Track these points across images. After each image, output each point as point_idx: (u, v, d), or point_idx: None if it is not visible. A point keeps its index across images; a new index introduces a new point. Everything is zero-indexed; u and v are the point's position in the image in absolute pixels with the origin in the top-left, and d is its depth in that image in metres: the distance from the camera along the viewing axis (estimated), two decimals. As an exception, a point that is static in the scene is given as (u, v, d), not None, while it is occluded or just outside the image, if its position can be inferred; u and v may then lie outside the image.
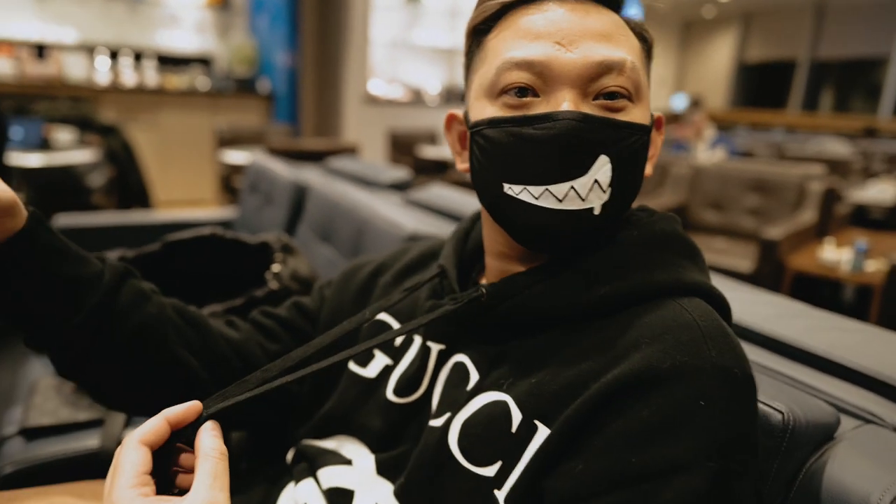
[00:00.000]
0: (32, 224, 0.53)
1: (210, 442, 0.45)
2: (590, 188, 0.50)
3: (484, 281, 0.64)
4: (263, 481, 0.71)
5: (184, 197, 4.76)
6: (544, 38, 0.51)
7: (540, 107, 0.52)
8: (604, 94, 0.51)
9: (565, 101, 0.51)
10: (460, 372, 0.57)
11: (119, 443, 0.85)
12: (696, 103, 9.95)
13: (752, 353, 0.84)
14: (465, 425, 0.53)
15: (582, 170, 0.50)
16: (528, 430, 0.50)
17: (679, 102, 10.39)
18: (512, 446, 0.50)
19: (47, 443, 0.83)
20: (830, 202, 3.27)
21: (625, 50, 0.53)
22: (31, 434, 0.84)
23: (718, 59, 11.32)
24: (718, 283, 1.03)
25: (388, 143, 4.77)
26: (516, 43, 0.52)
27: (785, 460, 0.60)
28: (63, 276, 0.54)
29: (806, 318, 0.91)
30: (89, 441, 0.84)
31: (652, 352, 0.47)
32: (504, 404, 0.52)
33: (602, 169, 0.50)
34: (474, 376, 0.56)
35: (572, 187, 0.50)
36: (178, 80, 4.81)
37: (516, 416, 0.51)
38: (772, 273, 2.78)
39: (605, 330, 0.51)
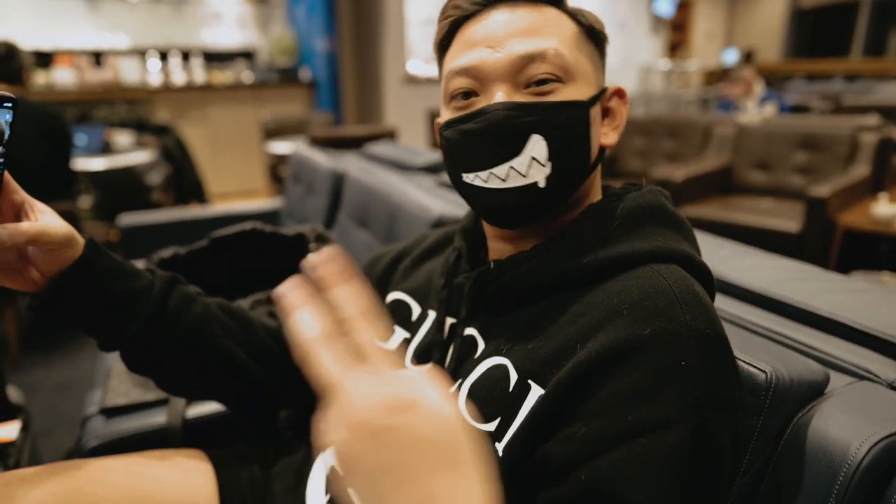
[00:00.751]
0: (89, 251, 0.63)
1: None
2: (528, 165, 0.58)
3: (489, 254, 0.70)
4: (302, 451, 0.81)
5: (236, 189, 4.97)
6: (479, 44, 0.60)
7: (480, 104, 0.60)
8: (533, 81, 0.59)
9: (498, 94, 0.59)
10: (470, 343, 0.64)
11: (182, 419, 0.96)
12: (747, 57, 9.52)
13: (756, 315, 0.87)
14: (472, 388, 0.59)
15: (517, 150, 0.58)
16: (522, 389, 0.55)
17: (730, 57, 9.96)
18: (509, 404, 0.55)
19: (123, 420, 0.96)
20: (886, 154, 3.14)
21: (550, 39, 0.60)
22: (110, 413, 0.97)
23: (771, 8, 10.74)
24: (726, 248, 1.06)
25: (429, 124, 4.82)
26: (459, 54, 0.62)
27: (770, 416, 0.64)
28: (120, 292, 0.65)
29: (814, 280, 0.93)
30: (157, 418, 0.97)
31: (633, 319, 0.52)
32: (504, 367, 0.58)
33: (536, 146, 0.58)
34: (481, 345, 0.63)
35: (511, 167, 0.58)
36: (223, 76, 4.99)
37: (513, 377, 0.56)
38: (820, 232, 2.71)
39: (591, 297, 0.57)
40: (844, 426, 0.63)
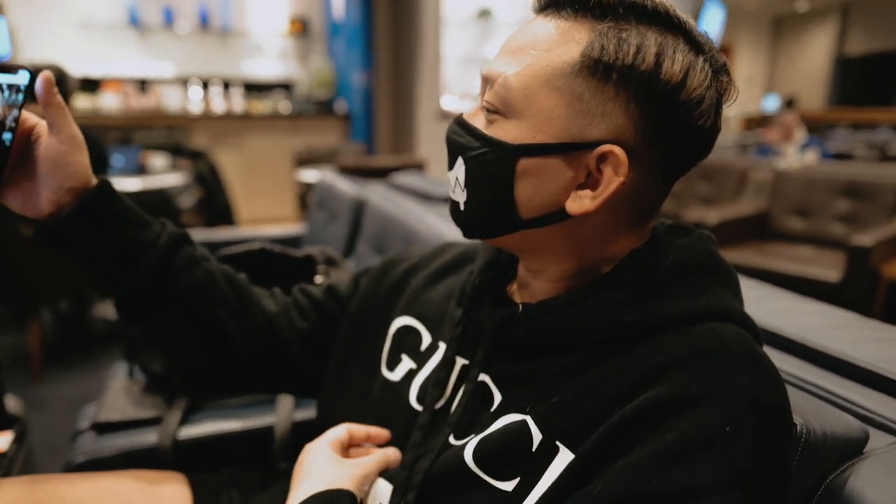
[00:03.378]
0: (101, 190, 0.61)
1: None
2: (454, 183, 0.56)
3: (514, 289, 0.65)
4: (285, 478, 0.76)
5: (267, 215, 5.04)
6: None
7: None
8: (484, 106, 0.54)
9: (473, 108, 0.57)
10: (484, 393, 0.58)
11: (173, 439, 0.93)
12: (789, 104, 9.39)
13: (789, 363, 0.80)
14: (486, 442, 0.54)
15: (451, 165, 0.56)
16: (549, 451, 0.50)
17: (771, 104, 9.85)
18: (532, 464, 0.50)
19: (113, 437, 0.93)
20: (935, 205, 3.00)
21: (516, 64, 0.52)
22: (101, 428, 0.94)
23: (814, 56, 10.64)
24: (758, 290, 0.99)
25: (459, 158, 4.82)
26: None
27: (800, 473, 0.58)
28: (124, 239, 0.63)
29: (853, 328, 0.86)
30: (149, 437, 0.93)
31: (680, 376, 0.46)
32: (524, 423, 0.52)
33: (460, 169, 0.55)
34: (497, 397, 0.57)
35: (449, 177, 0.58)
36: (262, 105, 5.11)
37: (536, 436, 0.51)
38: (863, 283, 2.59)
39: (635, 354, 0.50)
40: (884, 491, 0.56)
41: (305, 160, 4.04)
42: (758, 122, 8.79)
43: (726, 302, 0.54)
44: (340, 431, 0.64)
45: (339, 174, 2.66)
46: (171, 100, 4.86)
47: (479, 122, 0.55)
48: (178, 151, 3.55)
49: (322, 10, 5.46)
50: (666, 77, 0.48)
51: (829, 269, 2.74)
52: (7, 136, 0.57)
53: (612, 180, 0.50)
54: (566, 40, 0.50)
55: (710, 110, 0.51)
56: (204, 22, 5.04)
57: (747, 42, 10.93)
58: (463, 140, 0.55)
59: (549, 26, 0.52)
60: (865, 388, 0.74)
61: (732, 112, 8.27)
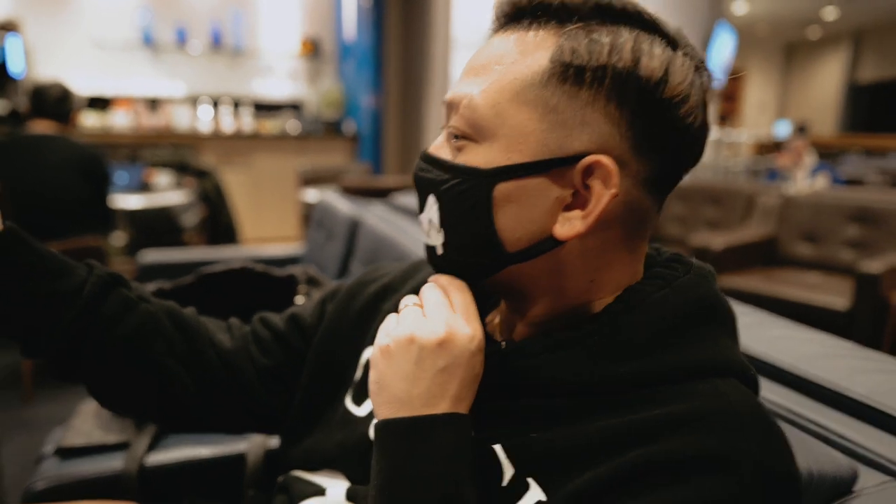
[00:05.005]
0: (7, 240, 0.55)
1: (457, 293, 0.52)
2: (428, 226, 0.51)
3: (497, 320, 0.59)
4: (260, 501, 0.73)
5: (272, 234, 5.04)
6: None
7: None
8: (451, 133, 0.50)
9: (438, 139, 0.53)
10: None
11: (140, 465, 0.90)
12: (801, 129, 9.35)
13: (780, 394, 0.77)
14: None
15: (422, 207, 0.52)
16: (518, 488, 0.47)
17: (783, 129, 9.80)
18: (500, 498, 0.47)
19: (77, 462, 0.90)
20: (947, 232, 2.93)
21: (480, 83, 0.48)
22: (66, 454, 0.91)
23: (826, 82, 10.62)
24: (751, 316, 0.95)
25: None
26: None
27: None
28: (42, 291, 0.57)
29: (850, 358, 0.82)
30: (114, 463, 0.90)
31: (682, 437, 0.42)
32: (493, 454, 0.49)
33: (432, 208, 0.50)
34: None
35: (421, 220, 0.52)
36: (271, 125, 5.15)
37: (508, 471, 0.48)
38: (872, 312, 2.52)
39: (629, 406, 0.46)
40: (873, 537, 0.52)
41: (311, 180, 4.05)
42: (769, 147, 8.75)
43: (728, 353, 0.50)
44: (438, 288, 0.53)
45: (341, 194, 2.66)
46: (180, 119, 4.92)
47: (446, 153, 0.51)
48: (183, 169, 3.57)
49: (333, 31, 5.53)
50: (646, 73, 0.44)
51: (837, 296, 2.67)
52: None
53: (602, 194, 0.46)
54: (532, 50, 0.47)
55: (697, 107, 0.47)
56: (216, 42, 5.11)
57: (759, 68, 10.94)
58: (431, 175, 0.50)
59: (511, 39, 0.48)
60: (859, 422, 0.70)
61: (743, 137, 8.23)
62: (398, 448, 0.47)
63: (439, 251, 0.51)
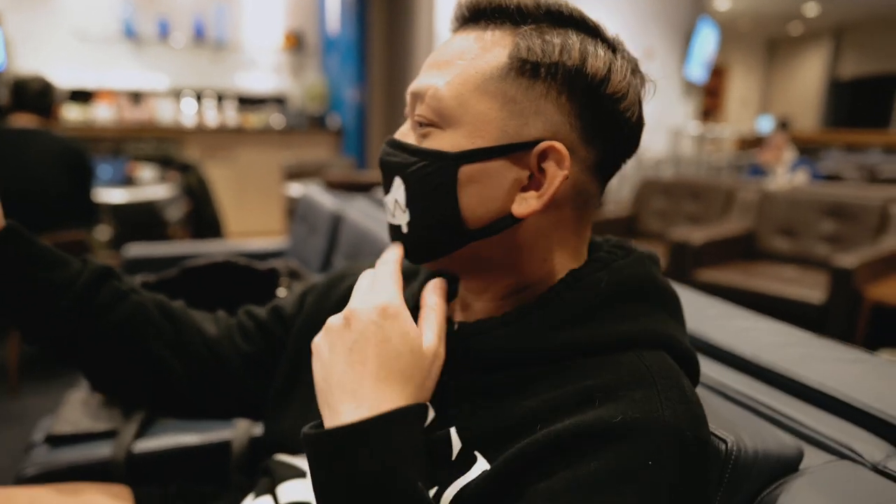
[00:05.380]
0: (9, 233, 0.60)
1: (432, 299, 0.57)
2: (393, 206, 0.56)
3: (455, 308, 0.64)
4: (238, 491, 0.76)
5: (256, 228, 5.04)
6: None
7: None
8: (417, 121, 0.55)
9: (402, 128, 0.57)
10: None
11: (127, 452, 0.93)
12: (782, 125, 9.47)
13: (735, 380, 0.81)
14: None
15: (387, 189, 0.56)
16: (466, 459, 0.51)
17: (765, 125, 9.93)
18: (448, 473, 0.51)
19: (67, 450, 0.92)
20: (918, 227, 3.02)
21: (443, 76, 0.53)
22: (55, 441, 0.94)
23: (808, 78, 10.76)
24: (716, 308, 1.00)
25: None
26: None
27: (730, 491, 0.58)
28: (40, 280, 0.61)
29: (805, 347, 0.86)
30: (103, 450, 0.93)
31: (606, 406, 0.47)
32: (447, 434, 0.53)
33: (398, 190, 0.55)
34: (430, 413, 0.56)
35: (386, 202, 0.57)
36: (255, 119, 5.14)
37: (456, 445, 0.52)
38: (846, 305, 2.59)
39: (562, 375, 0.51)
40: (812, 508, 0.56)
41: (295, 174, 4.06)
42: (752, 142, 8.86)
43: (659, 327, 0.55)
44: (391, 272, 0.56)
45: (324, 188, 2.68)
46: (164, 112, 4.89)
47: (411, 139, 0.55)
48: (167, 163, 3.57)
49: (317, 25, 5.52)
50: (592, 71, 0.50)
51: (813, 289, 2.74)
52: None
53: (556, 175, 0.51)
54: (491, 47, 0.52)
55: (634, 104, 0.53)
56: (199, 35, 5.08)
57: (742, 63, 11.05)
58: (398, 159, 0.55)
59: (471, 38, 0.54)
60: (811, 406, 0.75)
61: (726, 133, 8.33)
62: (321, 468, 0.46)
63: (404, 230, 0.55)
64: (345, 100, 5.30)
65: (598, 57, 0.51)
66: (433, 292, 0.58)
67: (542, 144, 0.51)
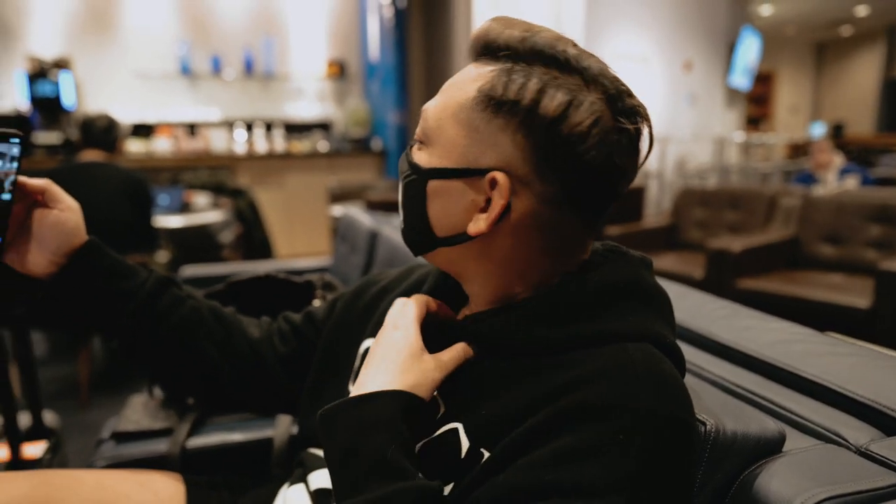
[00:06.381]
0: (90, 246, 0.73)
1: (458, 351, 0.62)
2: (400, 205, 0.64)
3: (466, 311, 0.70)
4: (277, 482, 0.85)
5: (304, 249, 5.23)
6: None
7: None
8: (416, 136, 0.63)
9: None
10: (433, 402, 0.63)
11: (182, 448, 1.03)
12: (836, 130, 9.16)
13: (734, 374, 0.85)
14: (428, 448, 0.59)
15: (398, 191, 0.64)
16: (475, 457, 0.55)
17: (818, 131, 9.64)
18: (462, 470, 0.55)
19: (130, 445, 1.04)
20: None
21: (436, 101, 0.61)
22: (120, 437, 1.05)
23: (861, 80, 10.39)
24: (727, 309, 1.04)
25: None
26: None
27: (710, 470, 0.63)
28: (113, 287, 0.74)
29: (806, 342, 0.90)
30: (160, 446, 1.04)
31: (584, 390, 0.51)
32: (456, 431, 0.58)
33: (400, 192, 0.63)
34: (441, 407, 0.62)
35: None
36: (301, 145, 5.37)
37: (465, 444, 0.56)
38: (893, 309, 2.53)
39: (552, 369, 0.55)
40: (788, 484, 0.60)
41: (340, 196, 4.22)
42: (804, 149, 8.61)
43: (646, 324, 0.58)
44: (418, 308, 0.63)
45: (365, 209, 2.80)
46: (217, 142, 5.17)
47: (414, 152, 0.64)
48: (219, 190, 3.78)
49: (359, 53, 5.74)
50: (543, 111, 0.53)
51: (858, 296, 2.68)
52: (6, 196, 0.66)
53: (497, 203, 0.56)
54: (474, 79, 0.57)
55: (596, 147, 0.54)
56: (248, 68, 5.37)
57: (790, 69, 10.78)
58: (402, 166, 0.63)
59: (470, 69, 0.60)
60: (804, 396, 0.78)
61: (774, 140, 8.14)
62: (324, 431, 0.56)
63: (401, 227, 0.65)
64: (387, 123, 5.47)
65: (554, 98, 0.53)
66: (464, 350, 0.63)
67: (491, 174, 0.55)
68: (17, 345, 1.16)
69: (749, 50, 6.20)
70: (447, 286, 0.72)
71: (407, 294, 0.81)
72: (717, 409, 0.66)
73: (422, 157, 0.60)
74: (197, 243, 3.23)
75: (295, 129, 5.49)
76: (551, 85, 0.54)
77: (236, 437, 1.07)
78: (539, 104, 0.53)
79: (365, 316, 0.83)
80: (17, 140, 0.66)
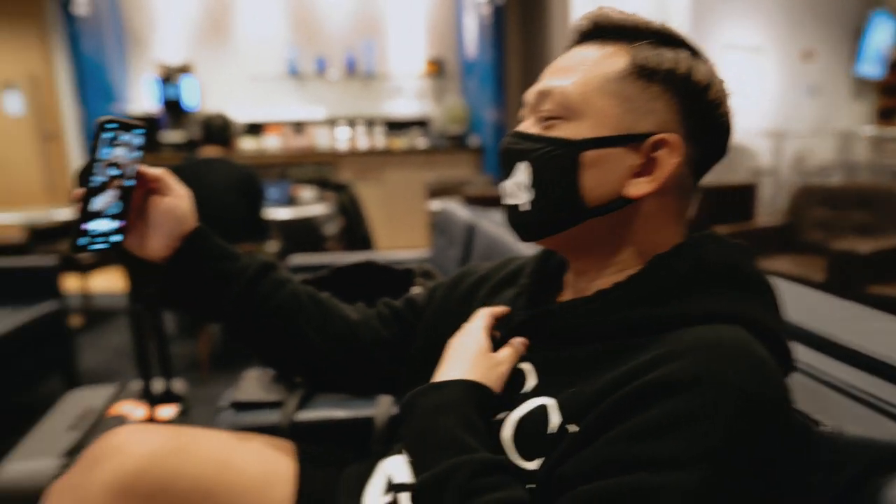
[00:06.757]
0: (198, 231, 0.78)
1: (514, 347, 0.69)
2: (514, 190, 0.64)
3: (562, 297, 0.73)
4: (375, 458, 0.89)
5: (402, 243, 5.37)
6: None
7: None
8: (542, 116, 0.64)
9: (523, 123, 0.66)
10: (519, 377, 0.67)
11: (291, 420, 1.10)
12: None
13: (860, 379, 0.79)
14: (520, 422, 0.61)
15: (509, 173, 0.65)
16: (563, 433, 0.57)
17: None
18: (551, 445, 0.57)
19: (246, 414, 1.13)
20: None
21: (568, 79, 0.63)
22: (238, 407, 1.14)
23: None
24: (852, 310, 0.97)
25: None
26: None
27: (829, 474, 0.59)
28: (219, 270, 0.78)
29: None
30: (273, 417, 1.12)
31: (672, 365, 0.52)
32: (547, 407, 0.59)
33: (522, 173, 0.63)
34: (532, 381, 0.65)
35: (506, 186, 0.66)
36: (400, 142, 5.51)
37: (555, 419, 0.58)
38: None
39: (644, 347, 0.57)
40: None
41: (438, 191, 4.30)
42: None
43: (739, 307, 0.58)
44: (487, 319, 0.73)
45: (463, 203, 2.83)
46: (321, 139, 5.42)
47: (536, 130, 0.65)
48: (324, 185, 3.97)
49: (455, 51, 5.80)
50: (697, 79, 0.61)
51: None
52: (130, 182, 0.72)
53: (667, 162, 0.60)
54: (611, 56, 0.63)
55: (728, 112, 0.63)
56: (351, 68, 5.58)
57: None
58: (523, 146, 0.64)
59: (591, 49, 0.64)
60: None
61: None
62: (404, 415, 0.65)
63: (525, 208, 0.64)
64: (484, 120, 5.50)
65: (700, 68, 0.61)
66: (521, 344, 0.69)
67: (656, 137, 0.60)
68: (152, 321, 1.29)
69: (881, 34, 5.66)
70: (545, 275, 0.75)
71: (503, 283, 0.84)
72: (838, 413, 0.63)
73: (565, 131, 0.62)
74: (303, 235, 3.41)
75: (394, 127, 5.64)
76: (691, 59, 0.62)
77: (340, 413, 1.13)
78: (692, 72, 0.61)
79: (463, 303, 0.85)
80: (141, 131, 0.72)
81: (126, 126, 0.70)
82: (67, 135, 5.48)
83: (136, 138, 0.72)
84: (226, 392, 1.23)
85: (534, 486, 0.57)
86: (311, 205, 3.62)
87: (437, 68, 5.70)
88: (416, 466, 0.59)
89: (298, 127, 5.48)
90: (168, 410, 1.25)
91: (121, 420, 1.31)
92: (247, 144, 5.25)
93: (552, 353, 0.65)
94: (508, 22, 5.47)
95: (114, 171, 0.69)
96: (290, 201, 3.60)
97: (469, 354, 0.67)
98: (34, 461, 1.24)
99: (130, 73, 5.46)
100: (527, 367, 0.67)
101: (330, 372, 0.86)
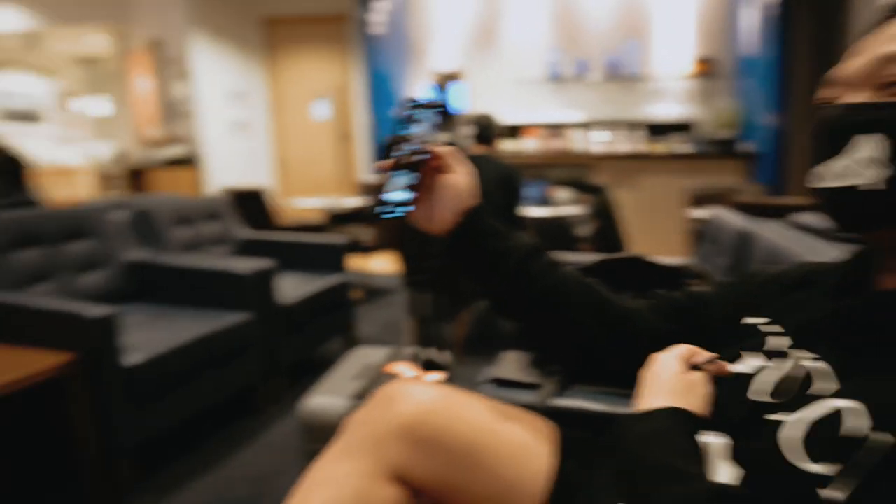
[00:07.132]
0: (479, 208, 0.82)
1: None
2: (855, 167, 0.56)
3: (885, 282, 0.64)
4: None
5: (658, 249, 5.08)
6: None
7: None
8: (886, 82, 0.57)
9: (849, 96, 0.60)
10: (813, 378, 0.60)
11: (546, 405, 1.13)
12: None
13: None
14: (814, 425, 0.56)
15: (836, 151, 0.59)
16: (876, 441, 0.51)
17: None
18: (859, 454, 0.51)
19: (503, 391, 1.19)
20: None
21: None
22: (498, 383, 1.22)
23: None
24: None
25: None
26: None
27: None
28: (493, 248, 0.82)
29: None
30: (528, 397, 1.16)
31: None
32: (846, 411, 0.54)
33: (870, 147, 0.56)
34: (827, 383, 0.59)
35: (833, 167, 0.58)
36: (661, 146, 5.25)
37: (866, 425, 0.52)
38: None
39: None
40: None
41: (700, 199, 4.01)
42: None
43: None
44: (683, 347, 0.73)
45: (733, 211, 2.61)
46: (576, 141, 5.44)
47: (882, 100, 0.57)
48: (578, 187, 3.97)
49: (731, 49, 5.31)
50: None
51: None
52: (423, 157, 0.78)
53: None
54: None
55: None
56: (612, 71, 5.48)
57: None
58: (869, 115, 0.56)
59: None
60: None
61: None
62: (625, 430, 0.65)
63: (875, 187, 0.56)
64: (759, 125, 4.95)
65: None
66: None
67: None
68: (432, 298, 1.42)
69: None
70: (854, 279, 0.67)
71: (794, 287, 0.77)
72: None
73: None
74: (556, 234, 3.46)
75: (655, 131, 5.40)
76: None
77: (598, 406, 1.12)
78: None
79: (749, 299, 0.81)
80: (438, 110, 0.79)
81: (425, 106, 0.78)
82: (358, 136, 6.49)
83: (433, 117, 0.79)
84: (483, 369, 1.32)
85: (840, 497, 0.51)
86: (565, 205, 3.66)
87: (707, 68, 5.29)
88: (633, 498, 0.59)
89: (555, 129, 5.57)
90: (435, 377, 1.38)
91: (395, 377, 1.49)
92: (506, 145, 5.51)
93: (855, 354, 0.59)
94: (797, 14, 4.83)
95: (412, 146, 0.77)
96: (545, 201, 3.68)
97: (668, 382, 0.67)
98: (330, 398, 1.47)
99: (409, 82, 6.11)
100: (821, 367, 0.61)
101: (597, 358, 0.86)
